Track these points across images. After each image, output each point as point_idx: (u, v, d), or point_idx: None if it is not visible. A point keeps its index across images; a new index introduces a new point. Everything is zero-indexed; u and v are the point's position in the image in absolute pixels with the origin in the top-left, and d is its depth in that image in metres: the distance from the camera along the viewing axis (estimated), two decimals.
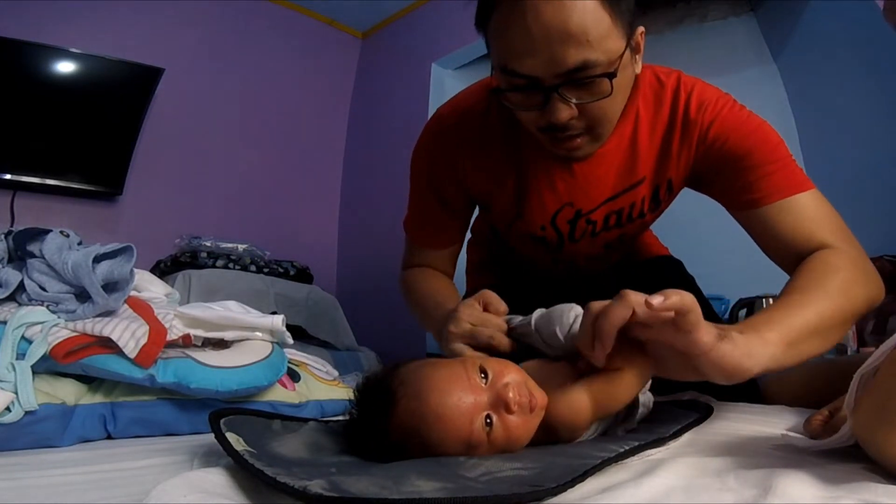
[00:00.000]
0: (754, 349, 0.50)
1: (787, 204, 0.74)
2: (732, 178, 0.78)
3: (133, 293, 0.81)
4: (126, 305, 0.76)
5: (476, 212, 1.03)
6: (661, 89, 0.81)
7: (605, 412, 0.52)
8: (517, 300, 0.95)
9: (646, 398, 0.64)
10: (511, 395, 0.48)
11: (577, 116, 0.69)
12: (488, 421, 0.48)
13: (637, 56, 0.71)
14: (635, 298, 0.46)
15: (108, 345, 0.67)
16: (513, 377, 0.51)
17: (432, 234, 0.99)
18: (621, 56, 0.66)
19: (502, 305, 0.69)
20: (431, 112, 0.95)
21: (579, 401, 0.52)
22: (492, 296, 0.69)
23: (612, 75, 0.65)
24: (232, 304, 0.85)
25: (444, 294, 0.93)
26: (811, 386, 0.87)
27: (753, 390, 0.95)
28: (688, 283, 1.10)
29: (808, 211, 0.74)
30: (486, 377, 0.50)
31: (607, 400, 0.52)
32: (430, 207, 0.96)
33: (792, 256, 0.73)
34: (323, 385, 0.90)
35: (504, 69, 0.67)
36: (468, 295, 1.18)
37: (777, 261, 0.78)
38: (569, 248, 0.93)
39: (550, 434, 0.52)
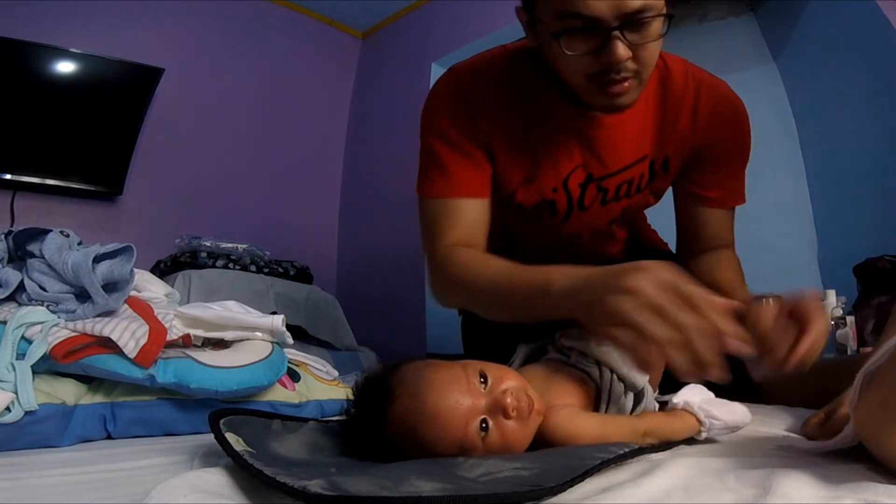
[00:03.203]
0: None
1: (726, 213, 0.95)
2: (708, 169, 0.92)
3: (133, 293, 0.81)
4: (126, 305, 0.76)
5: None
6: (667, 73, 0.88)
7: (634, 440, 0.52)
8: None
9: (648, 400, 0.64)
10: (509, 400, 0.48)
11: (631, 58, 0.72)
12: (484, 426, 0.48)
13: None
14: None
15: (108, 345, 0.67)
16: (512, 383, 0.51)
17: (459, 179, 0.86)
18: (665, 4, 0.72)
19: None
20: None
21: (585, 427, 0.52)
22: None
23: (669, 16, 0.70)
24: (232, 304, 0.85)
25: (515, 265, 0.72)
26: (810, 386, 0.87)
27: (752, 390, 0.95)
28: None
29: (730, 221, 0.96)
30: (485, 382, 0.50)
31: (657, 435, 0.54)
32: (452, 153, 0.86)
33: (702, 246, 0.96)
34: (323, 385, 0.90)
35: (565, 13, 0.69)
36: None
37: (685, 240, 0.99)
38: (576, 217, 0.94)
39: (545, 442, 0.52)
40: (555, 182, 0.90)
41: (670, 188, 0.99)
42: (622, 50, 0.69)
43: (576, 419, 0.52)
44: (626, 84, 0.75)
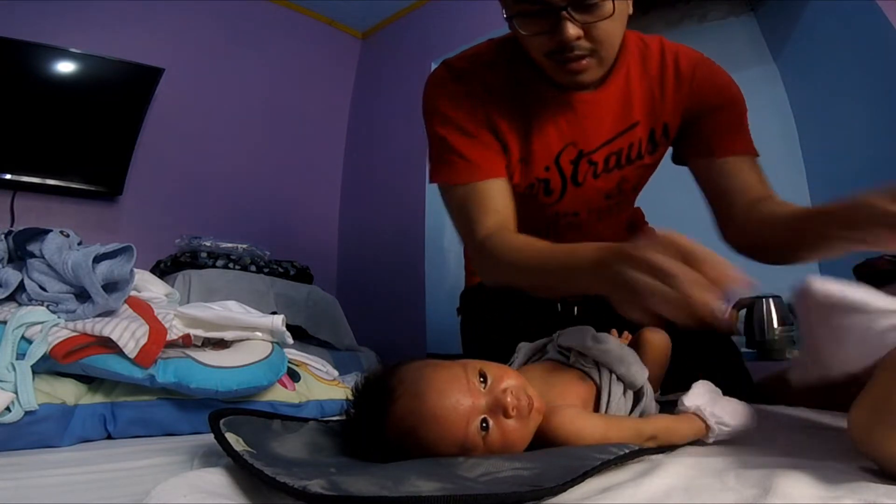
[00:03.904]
0: None
1: (743, 161, 0.89)
2: (705, 123, 0.91)
3: (133, 293, 0.81)
4: (126, 305, 0.76)
5: None
6: (646, 48, 0.92)
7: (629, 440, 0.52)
8: (513, 302, 0.95)
9: (648, 399, 0.64)
10: (509, 399, 0.48)
11: (584, 37, 0.76)
12: (484, 425, 0.48)
13: (629, 0, 0.80)
14: None
15: (108, 345, 0.67)
16: (512, 382, 0.51)
17: (476, 163, 0.87)
18: None
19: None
20: None
21: (588, 428, 0.52)
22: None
23: None
24: (232, 304, 0.85)
25: (554, 245, 0.74)
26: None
27: (752, 390, 0.96)
28: None
29: (755, 169, 0.90)
30: (485, 381, 0.50)
31: (660, 440, 0.53)
32: (462, 137, 0.88)
33: (736, 205, 0.87)
34: (323, 385, 0.90)
35: None
36: (469, 295, 1.19)
37: (717, 208, 0.91)
38: (572, 193, 0.96)
39: (546, 443, 0.52)
40: (547, 160, 0.92)
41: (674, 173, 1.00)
42: (571, 30, 0.74)
43: (579, 420, 0.52)
44: (584, 62, 0.79)
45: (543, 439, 0.51)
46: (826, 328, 0.48)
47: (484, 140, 0.89)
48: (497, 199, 0.86)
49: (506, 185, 0.89)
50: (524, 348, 0.70)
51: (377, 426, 0.49)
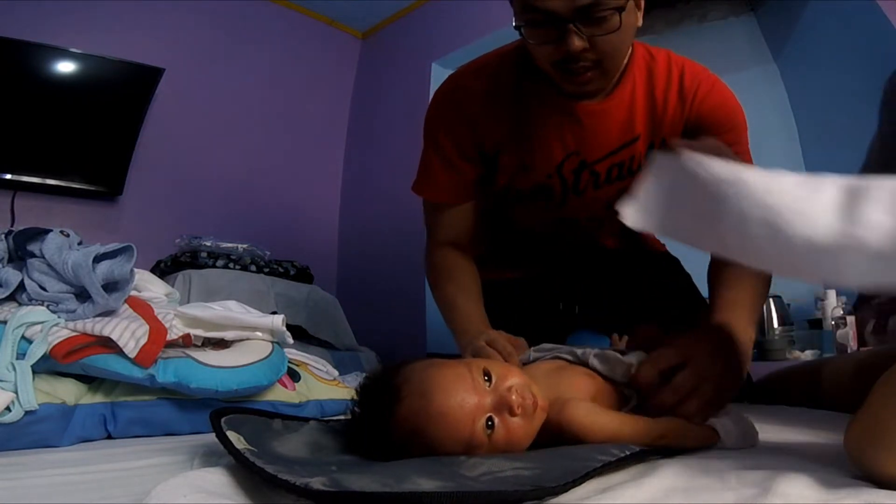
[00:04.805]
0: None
1: None
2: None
3: (133, 293, 0.81)
4: (126, 305, 0.76)
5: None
6: (652, 61, 0.92)
7: (645, 443, 0.51)
8: (514, 301, 0.95)
9: None
10: (514, 397, 0.49)
11: (589, 49, 0.77)
12: (490, 423, 0.48)
13: (639, 13, 0.80)
14: None
15: (108, 344, 0.67)
16: (516, 380, 0.51)
17: (449, 184, 0.98)
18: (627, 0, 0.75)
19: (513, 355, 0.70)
20: None
21: (602, 423, 0.52)
22: (504, 345, 0.71)
23: (621, 9, 0.73)
24: (232, 303, 0.85)
25: (466, 300, 0.94)
26: (811, 386, 0.87)
27: (752, 390, 0.96)
28: (685, 281, 1.11)
29: None
30: (489, 379, 0.50)
31: (665, 440, 0.52)
32: (446, 156, 0.96)
33: None
34: (323, 385, 0.90)
35: (526, 7, 0.76)
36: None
37: None
38: (572, 202, 0.97)
39: (556, 438, 0.52)
40: (549, 168, 0.93)
41: None
42: (577, 42, 0.75)
43: (593, 415, 0.53)
44: (589, 74, 0.80)
45: (557, 432, 0.51)
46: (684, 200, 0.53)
47: (461, 169, 0.95)
48: (453, 218, 1.00)
49: (467, 207, 0.99)
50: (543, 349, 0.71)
51: (383, 425, 0.49)
